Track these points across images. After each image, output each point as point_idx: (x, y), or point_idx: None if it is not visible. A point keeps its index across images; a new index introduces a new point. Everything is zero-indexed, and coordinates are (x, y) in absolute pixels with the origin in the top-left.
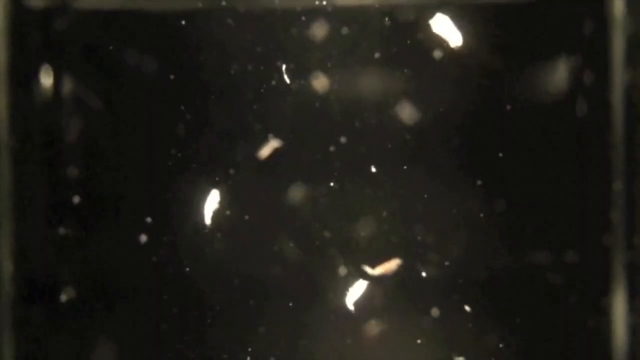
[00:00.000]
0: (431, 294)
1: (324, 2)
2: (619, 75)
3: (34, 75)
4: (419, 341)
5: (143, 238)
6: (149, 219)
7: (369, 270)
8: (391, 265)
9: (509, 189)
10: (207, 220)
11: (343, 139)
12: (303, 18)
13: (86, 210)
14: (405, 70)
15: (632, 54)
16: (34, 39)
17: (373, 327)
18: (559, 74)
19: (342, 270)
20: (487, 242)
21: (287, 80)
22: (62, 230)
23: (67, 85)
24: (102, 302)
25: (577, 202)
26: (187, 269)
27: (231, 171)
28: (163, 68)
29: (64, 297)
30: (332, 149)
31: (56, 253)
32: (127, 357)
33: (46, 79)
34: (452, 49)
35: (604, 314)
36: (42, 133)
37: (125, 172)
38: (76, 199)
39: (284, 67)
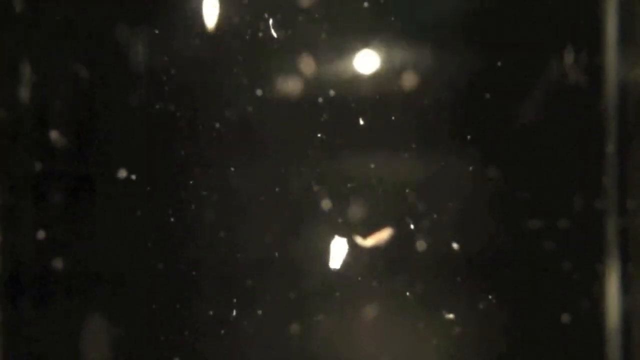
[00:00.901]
0: (423, 261)
1: None
2: (612, 36)
3: (20, 51)
4: (410, 298)
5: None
6: (141, 197)
7: (360, 240)
8: (383, 235)
9: (500, 155)
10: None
11: (332, 92)
12: None
13: (75, 186)
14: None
15: (625, 17)
16: (21, 10)
17: (364, 291)
18: (551, 39)
19: (336, 239)
20: (479, 210)
21: (274, 33)
22: (50, 205)
23: (55, 59)
24: (92, 278)
25: (569, 167)
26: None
27: (217, 125)
28: (149, 35)
29: (53, 273)
30: (320, 100)
31: (44, 232)
32: (118, 332)
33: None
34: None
35: (597, 279)
36: (30, 108)
37: (114, 146)
38: (64, 173)
39: (270, 20)
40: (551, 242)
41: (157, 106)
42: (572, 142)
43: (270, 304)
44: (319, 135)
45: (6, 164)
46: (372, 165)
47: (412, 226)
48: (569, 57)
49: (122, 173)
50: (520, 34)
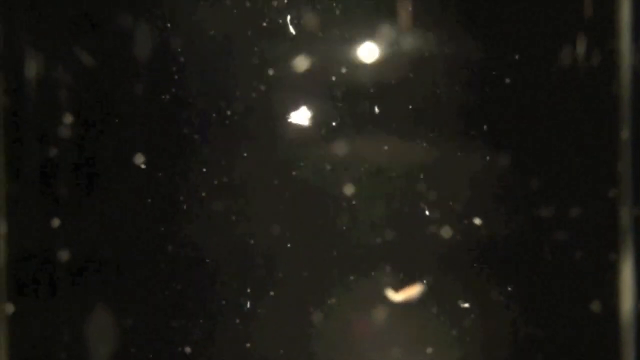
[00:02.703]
0: (433, 249)
1: None
2: (625, 21)
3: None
4: (424, 283)
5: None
6: (151, 184)
7: (391, 295)
8: (414, 290)
9: (512, 142)
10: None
11: (344, 70)
12: None
13: (81, 172)
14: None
15: (639, 1)
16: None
17: (378, 276)
18: (564, 25)
19: (344, 220)
20: (491, 197)
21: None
22: (57, 193)
23: (62, 44)
24: (99, 264)
25: (582, 154)
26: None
27: (228, 112)
28: (158, 17)
29: (60, 260)
30: (333, 78)
31: (51, 216)
32: (128, 321)
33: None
34: None
35: (610, 269)
36: (37, 95)
37: (124, 132)
38: (71, 160)
39: None
40: (563, 231)
41: (167, 93)
42: (586, 129)
43: (284, 290)
44: (332, 117)
45: (12, 152)
46: (386, 147)
47: (421, 215)
48: (582, 43)
49: (132, 160)
50: (533, 20)
